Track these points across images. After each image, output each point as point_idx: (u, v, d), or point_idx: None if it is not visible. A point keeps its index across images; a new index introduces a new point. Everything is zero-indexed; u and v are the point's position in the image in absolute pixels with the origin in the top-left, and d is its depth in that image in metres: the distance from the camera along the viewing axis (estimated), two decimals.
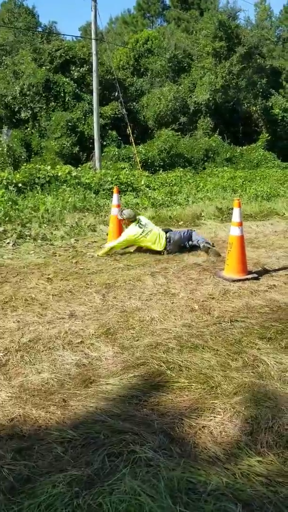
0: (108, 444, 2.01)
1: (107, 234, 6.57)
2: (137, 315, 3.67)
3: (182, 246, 5.99)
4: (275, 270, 5.09)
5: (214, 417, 2.27)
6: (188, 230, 6.13)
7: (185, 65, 26.76)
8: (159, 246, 5.84)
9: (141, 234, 5.78)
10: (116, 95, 18.93)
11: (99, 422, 2.19)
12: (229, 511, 1.65)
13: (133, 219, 5.90)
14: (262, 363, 2.81)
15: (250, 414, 2.26)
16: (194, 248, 5.98)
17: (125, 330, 3.35)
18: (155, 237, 5.83)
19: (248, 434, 2.15)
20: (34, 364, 2.84)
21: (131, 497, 1.65)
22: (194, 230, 6.29)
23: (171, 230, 6.15)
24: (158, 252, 5.82)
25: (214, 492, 1.74)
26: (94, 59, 16.28)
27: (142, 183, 11.43)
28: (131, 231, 5.82)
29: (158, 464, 1.87)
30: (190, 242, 6.00)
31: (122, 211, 6.05)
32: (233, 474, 1.89)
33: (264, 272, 5.04)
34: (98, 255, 5.72)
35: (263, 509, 1.71)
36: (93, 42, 16.31)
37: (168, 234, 5.94)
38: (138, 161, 17.53)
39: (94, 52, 16.31)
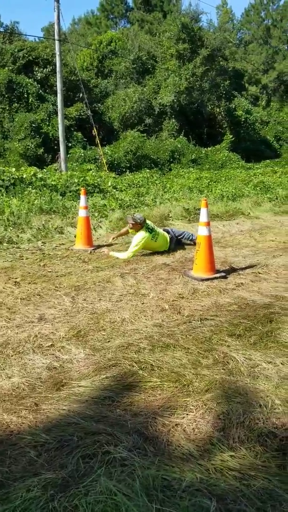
0: (82, 446, 2.00)
1: (75, 236, 6.53)
2: (107, 316, 3.66)
3: (177, 242, 6.25)
4: (242, 269, 5.18)
5: (187, 414, 2.30)
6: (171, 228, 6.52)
7: (149, 66, 26.91)
8: (165, 247, 6.00)
9: (151, 239, 5.78)
10: (80, 96, 18.84)
11: (72, 425, 2.18)
12: (204, 506, 1.67)
13: (143, 225, 5.76)
14: (232, 360, 2.86)
15: (221, 410, 2.30)
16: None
17: (96, 332, 3.34)
18: (163, 240, 5.94)
19: (220, 430, 2.18)
20: (3, 369, 2.79)
21: (107, 497, 1.65)
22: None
23: (169, 229, 6.39)
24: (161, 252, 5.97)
25: (189, 488, 1.76)
26: (57, 59, 16.14)
27: (109, 184, 11.41)
28: (142, 237, 5.66)
29: (132, 463, 1.87)
30: (179, 237, 6.34)
31: (134, 216, 5.82)
32: (207, 469, 1.92)
33: (232, 270, 5.12)
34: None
35: (237, 502, 1.74)
36: (56, 42, 16.17)
37: (170, 234, 6.15)
38: (104, 162, 17.49)
39: (57, 52, 16.17)
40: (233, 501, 1.75)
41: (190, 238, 6.34)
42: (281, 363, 2.83)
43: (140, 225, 5.76)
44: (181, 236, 6.37)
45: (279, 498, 1.78)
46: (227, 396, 2.42)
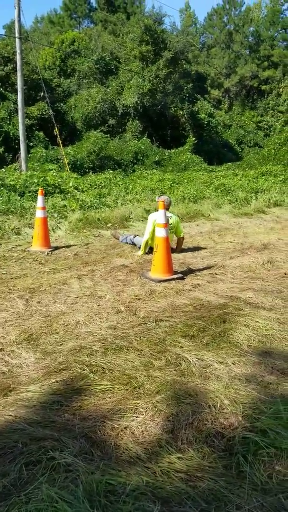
0: (26, 452, 1.95)
1: (32, 237, 6.41)
2: (61, 319, 3.60)
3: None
4: (199, 270, 5.23)
5: (136, 417, 2.28)
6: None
7: (112, 67, 26.87)
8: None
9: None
10: (42, 95, 18.57)
11: (18, 431, 2.12)
12: (148, 510, 1.66)
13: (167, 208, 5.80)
14: (184, 361, 2.87)
15: (171, 412, 2.29)
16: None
17: (49, 335, 3.28)
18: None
19: (169, 431, 2.18)
20: None
21: (48, 505, 1.60)
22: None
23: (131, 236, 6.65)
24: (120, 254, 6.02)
25: (133, 492, 1.74)
26: (18, 58, 15.86)
27: (71, 185, 11.29)
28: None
29: (77, 469, 1.84)
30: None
31: (160, 196, 6.17)
32: (154, 472, 1.91)
33: (189, 271, 5.16)
34: (140, 255, 5.81)
35: (182, 504, 1.74)
36: (17, 40, 15.89)
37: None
38: (66, 162, 17.30)
39: (18, 51, 15.89)
40: (178, 503, 1.74)
41: (130, 240, 6.42)
42: (232, 363, 2.86)
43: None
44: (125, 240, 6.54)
45: (224, 498, 1.79)
46: (177, 398, 2.42)
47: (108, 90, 25.36)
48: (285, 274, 5.06)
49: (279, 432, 2.12)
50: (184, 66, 27.39)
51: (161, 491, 1.80)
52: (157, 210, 5.84)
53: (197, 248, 6.51)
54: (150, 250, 5.87)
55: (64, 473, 1.82)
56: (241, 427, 2.19)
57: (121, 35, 29.12)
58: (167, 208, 5.81)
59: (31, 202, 8.89)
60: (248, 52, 41.93)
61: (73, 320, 3.58)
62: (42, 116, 21.68)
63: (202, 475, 1.92)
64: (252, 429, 2.16)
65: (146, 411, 2.32)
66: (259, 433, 2.12)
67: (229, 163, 25.77)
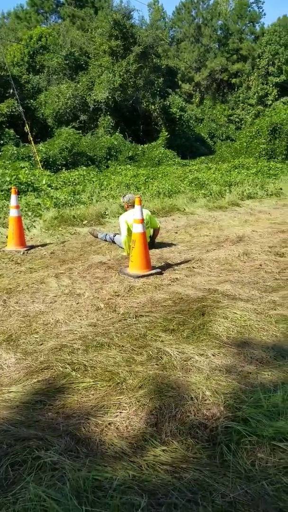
0: (11, 453, 1.95)
1: (6, 237, 6.33)
2: (40, 318, 3.59)
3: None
4: (177, 264, 5.27)
5: (120, 412, 2.30)
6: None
7: (82, 63, 26.66)
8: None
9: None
10: (11, 92, 18.29)
11: (1, 432, 2.11)
12: (135, 503, 1.68)
13: (132, 205, 5.85)
14: (166, 355, 2.90)
15: (154, 406, 2.32)
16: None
17: (28, 335, 3.26)
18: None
19: (153, 425, 2.20)
20: None
21: (36, 503, 1.61)
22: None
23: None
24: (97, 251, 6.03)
25: (120, 486, 1.76)
26: None
27: (44, 182, 11.16)
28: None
29: (63, 466, 1.85)
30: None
31: (124, 195, 6.24)
32: (139, 466, 1.93)
33: (167, 266, 5.20)
34: (126, 255, 5.72)
35: (168, 496, 1.76)
36: None
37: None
38: (38, 160, 17.10)
39: None
40: (164, 495, 1.77)
41: (110, 238, 6.42)
42: (213, 355, 2.90)
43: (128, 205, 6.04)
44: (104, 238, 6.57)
45: (209, 488, 1.82)
46: (160, 391, 2.45)
47: (78, 85, 25.16)
48: (261, 265, 5.14)
49: (260, 420, 2.17)
50: (154, 60, 27.36)
51: (148, 484, 1.82)
52: (126, 210, 5.93)
53: (174, 243, 6.55)
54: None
55: (50, 471, 1.83)
56: (223, 417, 2.23)
57: (89, 30, 28.90)
58: (132, 205, 5.84)
59: (4, 201, 8.77)
60: (217, 46, 42.23)
61: (52, 319, 3.57)
62: (12, 113, 21.36)
63: (187, 466, 1.95)
64: (234, 418, 2.21)
65: (130, 406, 2.34)
66: (241, 422, 2.17)
67: (202, 157, 25.94)
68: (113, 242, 6.31)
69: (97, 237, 6.68)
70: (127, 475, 1.85)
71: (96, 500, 1.68)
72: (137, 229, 4.91)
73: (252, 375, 2.66)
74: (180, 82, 39.53)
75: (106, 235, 6.52)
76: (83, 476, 1.78)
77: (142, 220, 4.96)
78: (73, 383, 2.57)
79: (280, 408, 2.28)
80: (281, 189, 12.89)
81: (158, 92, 27.23)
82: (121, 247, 6.09)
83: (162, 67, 29.24)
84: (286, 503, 1.75)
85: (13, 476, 1.83)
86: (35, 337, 3.22)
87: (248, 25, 43.53)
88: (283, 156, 21.36)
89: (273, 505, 1.75)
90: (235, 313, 3.56)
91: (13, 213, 6.01)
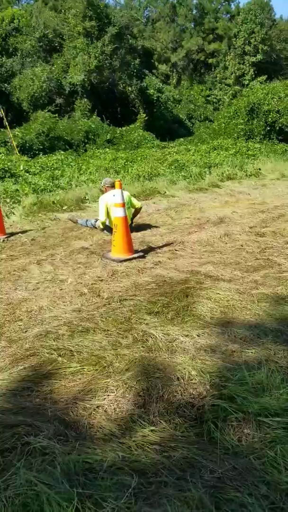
0: (0, 440, 1.95)
1: None
2: (24, 306, 3.56)
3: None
4: (159, 247, 5.28)
5: (108, 395, 2.32)
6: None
7: (56, 45, 26.09)
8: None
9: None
10: None
11: None
12: (126, 483, 1.70)
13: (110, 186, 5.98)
14: (151, 337, 2.92)
15: (141, 387, 2.34)
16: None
17: (12, 323, 3.24)
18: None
19: (140, 406, 2.23)
20: None
21: (27, 488, 1.62)
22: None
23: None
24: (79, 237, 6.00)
25: (110, 468, 1.79)
26: None
27: (21, 168, 11.00)
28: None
29: (53, 451, 1.86)
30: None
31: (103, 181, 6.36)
32: (129, 447, 1.95)
33: (150, 249, 5.20)
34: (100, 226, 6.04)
35: (158, 474, 1.79)
36: None
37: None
38: (15, 145, 16.80)
39: None
40: (154, 474, 1.80)
41: (91, 225, 6.38)
42: (197, 335, 2.93)
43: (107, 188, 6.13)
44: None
45: (198, 465, 1.86)
46: (146, 373, 2.47)
47: (53, 68, 24.66)
48: (242, 246, 5.19)
49: (246, 397, 2.21)
50: (130, 41, 26.95)
51: (137, 464, 1.85)
52: (103, 193, 5.95)
53: (155, 226, 6.55)
54: (110, 230, 5.87)
55: (40, 456, 1.84)
56: (209, 395, 2.27)
57: (63, 11, 28.18)
58: (111, 186, 5.88)
59: None
60: (193, 26, 41.69)
61: (36, 306, 3.55)
62: None
63: (176, 445, 1.98)
64: (220, 396, 2.25)
65: (117, 388, 2.36)
66: (227, 400, 2.21)
67: (181, 139, 25.82)
68: (95, 227, 6.27)
69: (76, 222, 6.64)
70: (117, 456, 1.87)
71: (87, 482, 1.70)
72: (119, 213, 4.88)
73: (236, 353, 2.70)
74: (156, 63, 39.07)
75: (86, 221, 6.48)
76: (73, 460, 1.79)
77: (123, 204, 4.93)
78: (59, 368, 2.57)
79: (264, 384, 2.32)
80: (259, 169, 12.95)
81: (134, 74, 26.86)
82: (104, 232, 6.08)
83: (138, 48, 28.86)
84: (273, 476, 1.80)
85: (3, 463, 1.83)
86: (19, 325, 3.21)
87: (224, 4, 43.02)
88: (261, 137, 21.40)
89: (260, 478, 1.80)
90: (218, 293, 3.60)
91: None
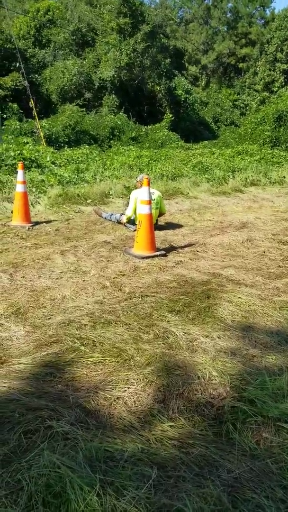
0: (24, 422, 1.99)
1: (11, 212, 6.33)
2: (47, 293, 3.61)
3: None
4: (181, 247, 5.29)
5: (128, 388, 2.35)
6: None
7: (89, 39, 26.20)
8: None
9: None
10: (17, 65, 18.01)
11: (13, 401, 2.15)
12: (146, 474, 1.73)
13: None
14: (172, 335, 2.94)
15: (162, 383, 2.37)
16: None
17: (36, 309, 3.30)
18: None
19: (160, 401, 2.25)
20: None
21: (50, 470, 1.66)
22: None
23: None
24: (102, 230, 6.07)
25: (131, 458, 1.82)
26: None
27: (48, 159, 11.09)
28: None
29: (75, 436, 1.89)
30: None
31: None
32: (148, 440, 1.98)
33: (171, 249, 5.22)
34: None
35: (177, 469, 1.82)
36: None
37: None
38: (42, 136, 16.94)
39: None
40: (173, 468, 1.83)
41: (115, 219, 6.42)
42: (218, 337, 2.95)
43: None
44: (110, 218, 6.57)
45: (215, 463, 1.88)
46: (167, 369, 2.50)
47: (84, 62, 24.79)
48: (264, 252, 5.17)
49: (266, 401, 2.22)
50: (162, 40, 26.96)
51: (156, 457, 1.88)
52: (137, 188, 5.98)
53: (177, 226, 6.56)
54: (133, 222, 5.93)
55: (62, 440, 1.88)
56: (229, 397, 2.28)
57: (98, 6, 28.30)
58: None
59: (8, 176, 8.72)
60: (226, 29, 41.50)
61: (59, 294, 3.60)
62: (16, 87, 21.06)
63: (194, 442, 2.00)
64: (240, 398, 2.26)
65: (138, 382, 2.39)
66: (247, 403, 2.22)
67: (206, 141, 25.74)
68: (119, 223, 6.30)
69: (101, 216, 6.68)
70: (137, 447, 1.90)
71: (108, 469, 1.73)
72: (144, 210, 4.91)
73: (256, 358, 2.71)
74: (186, 64, 38.98)
75: (111, 215, 6.52)
76: (95, 447, 1.83)
77: (150, 201, 4.96)
78: (82, 357, 2.61)
79: (285, 390, 2.33)
80: (284, 177, 12.86)
81: (164, 73, 26.85)
82: (129, 228, 6.12)
83: (170, 47, 28.84)
84: None
85: (26, 443, 1.87)
86: (43, 311, 3.26)
87: (259, 9, 42.73)
88: (287, 144, 21.23)
89: (277, 482, 1.81)
90: (240, 297, 3.61)
91: (19, 188, 5.98)
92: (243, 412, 2.16)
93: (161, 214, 6.36)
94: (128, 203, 6.18)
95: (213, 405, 2.24)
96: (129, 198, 6.21)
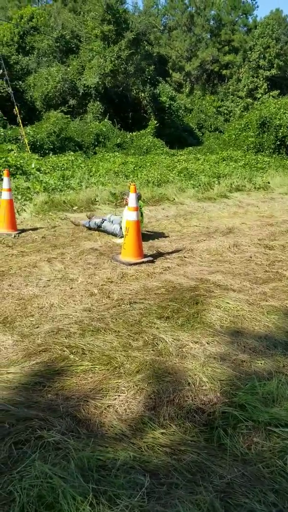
0: (14, 432, 1.97)
1: None
2: (35, 302, 3.59)
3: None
4: (168, 253, 5.31)
5: (119, 395, 2.34)
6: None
7: (73, 46, 26.23)
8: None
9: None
10: (0, 72, 17.94)
11: (2, 412, 2.13)
12: (139, 482, 1.73)
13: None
14: (161, 341, 2.95)
15: (152, 390, 2.37)
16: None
17: (24, 318, 3.27)
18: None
19: (151, 408, 2.25)
20: None
21: (42, 480, 1.64)
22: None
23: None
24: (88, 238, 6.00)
25: (123, 466, 1.81)
26: None
27: (33, 166, 11.04)
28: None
29: (67, 446, 1.88)
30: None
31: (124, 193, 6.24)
32: (140, 447, 1.98)
33: (159, 255, 5.23)
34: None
35: (169, 476, 1.82)
36: None
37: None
38: (26, 143, 16.87)
39: None
40: (165, 475, 1.82)
41: (95, 224, 6.37)
42: (207, 343, 2.96)
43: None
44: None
45: (208, 469, 1.89)
46: (157, 376, 2.50)
47: (68, 69, 24.77)
48: (251, 257, 5.22)
49: (256, 406, 2.24)
50: (146, 47, 27.08)
51: (148, 464, 1.88)
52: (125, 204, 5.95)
53: (164, 232, 6.58)
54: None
55: (54, 450, 1.86)
56: (220, 402, 2.29)
57: (82, 13, 28.37)
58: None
59: None
60: (209, 36, 41.92)
61: (47, 302, 3.58)
62: (0, 94, 20.94)
63: (186, 449, 2.01)
64: (231, 404, 2.27)
65: (128, 389, 2.38)
66: (237, 408, 2.23)
67: (190, 147, 25.90)
68: (99, 227, 6.26)
69: (79, 225, 6.58)
70: (129, 456, 1.90)
71: (101, 478, 1.72)
72: (132, 216, 4.92)
73: (246, 363, 2.73)
74: (170, 71, 39.25)
75: (89, 221, 6.43)
76: (87, 456, 1.82)
77: (137, 208, 4.97)
78: (71, 366, 2.60)
79: (274, 395, 2.35)
80: (268, 182, 13.01)
81: (148, 80, 26.96)
82: (110, 233, 6.10)
83: (154, 54, 28.99)
84: (281, 485, 1.82)
85: (16, 454, 1.86)
86: (31, 320, 3.23)
87: (241, 17, 43.26)
88: (270, 150, 21.49)
89: (268, 486, 1.82)
90: (228, 303, 3.63)
91: (5, 195, 5.94)
92: (233, 417, 2.17)
93: None
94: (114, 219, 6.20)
95: (204, 411, 2.24)
96: (120, 216, 6.13)
